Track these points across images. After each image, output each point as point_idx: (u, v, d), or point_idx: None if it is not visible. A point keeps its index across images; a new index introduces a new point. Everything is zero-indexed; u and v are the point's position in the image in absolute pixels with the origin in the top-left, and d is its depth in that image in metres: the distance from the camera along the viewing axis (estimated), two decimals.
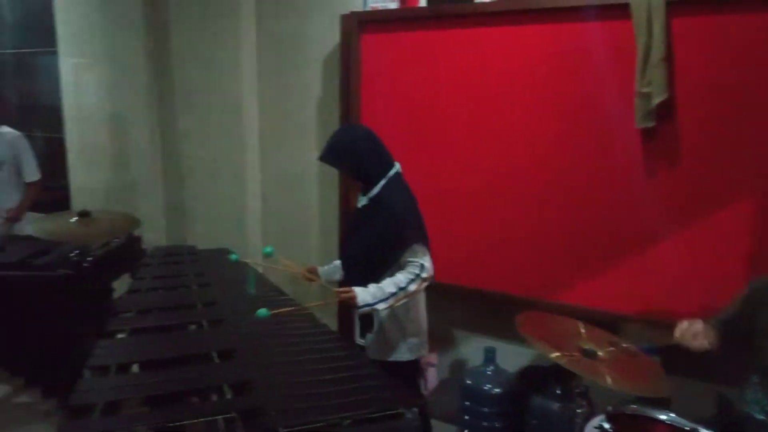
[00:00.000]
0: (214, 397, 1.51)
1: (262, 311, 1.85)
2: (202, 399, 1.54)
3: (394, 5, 2.99)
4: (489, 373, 2.62)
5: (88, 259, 2.47)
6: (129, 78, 4.09)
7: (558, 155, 2.59)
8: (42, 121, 4.65)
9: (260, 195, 3.79)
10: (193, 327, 2.06)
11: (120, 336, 1.91)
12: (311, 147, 3.49)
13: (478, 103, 2.75)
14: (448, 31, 2.75)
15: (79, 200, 4.56)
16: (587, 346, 1.93)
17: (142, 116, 4.07)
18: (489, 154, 2.75)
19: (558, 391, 2.35)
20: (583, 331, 2.06)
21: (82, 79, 4.42)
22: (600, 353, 1.91)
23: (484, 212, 2.80)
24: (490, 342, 2.88)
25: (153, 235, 3.87)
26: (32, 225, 2.37)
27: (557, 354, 1.82)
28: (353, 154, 2.14)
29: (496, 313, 2.90)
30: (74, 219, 2.32)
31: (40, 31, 4.52)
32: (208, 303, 2.19)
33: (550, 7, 2.51)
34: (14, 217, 3.40)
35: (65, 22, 4.38)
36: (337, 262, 2.40)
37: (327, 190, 3.46)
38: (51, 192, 4.23)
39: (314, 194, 3.55)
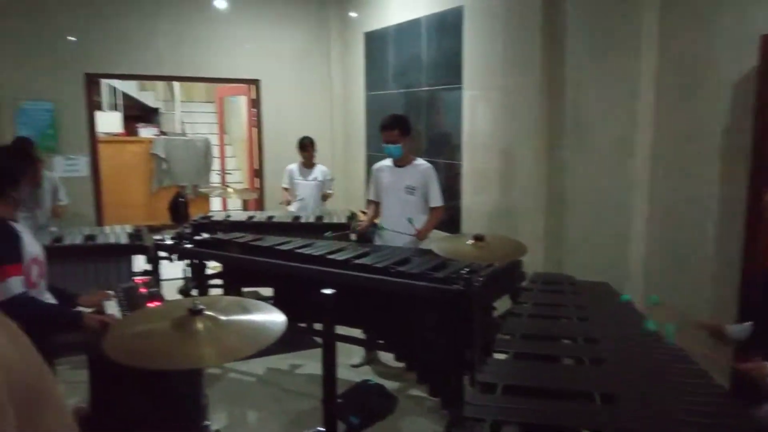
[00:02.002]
0: None
1: (650, 323, 1.73)
2: None
3: None
4: None
5: (479, 278, 2.70)
6: (521, 110, 4.35)
7: None
8: (445, 149, 5.30)
9: (646, 231, 3.58)
10: (571, 361, 2.06)
11: (505, 357, 2.03)
12: (712, 179, 3.14)
13: None
14: None
15: (467, 220, 5.04)
16: None
17: (529, 146, 4.28)
18: None
19: None
20: None
21: (480, 110, 4.89)
22: None
23: None
24: None
25: (531, 260, 4.02)
26: (434, 243, 2.72)
27: None
28: None
29: None
30: (470, 241, 2.57)
31: (450, 69, 5.16)
32: (589, 339, 2.16)
33: None
34: (420, 237, 3.95)
35: (471, 60, 4.91)
36: (748, 324, 2.09)
37: (727, 231, 3.06)
38: (447, 211, 4.77)
39: (710, 234, 3.18)
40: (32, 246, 2.41)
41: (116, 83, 10.23)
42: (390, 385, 3.89)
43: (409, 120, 4.20)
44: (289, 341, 2.00)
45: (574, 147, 3.96)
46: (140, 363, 1.44)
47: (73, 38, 6.03)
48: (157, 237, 4.33)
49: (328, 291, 1.85)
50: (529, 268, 3.40)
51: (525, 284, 3.18)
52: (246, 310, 1.69)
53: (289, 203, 5.65)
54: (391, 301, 3.19)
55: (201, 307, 1.58)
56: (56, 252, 3.83)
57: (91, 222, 6.10)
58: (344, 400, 1.90)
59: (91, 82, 6.32)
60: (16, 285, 2.23)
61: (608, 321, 2.39)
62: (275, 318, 1.67)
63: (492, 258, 2.62)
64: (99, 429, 2.56)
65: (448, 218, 5.00)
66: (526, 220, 4.34)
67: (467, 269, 2.95)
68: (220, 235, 4.12)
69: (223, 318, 1.61)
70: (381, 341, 3.59)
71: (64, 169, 5.91)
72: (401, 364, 3.47)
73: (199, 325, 1.55)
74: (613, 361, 1.96)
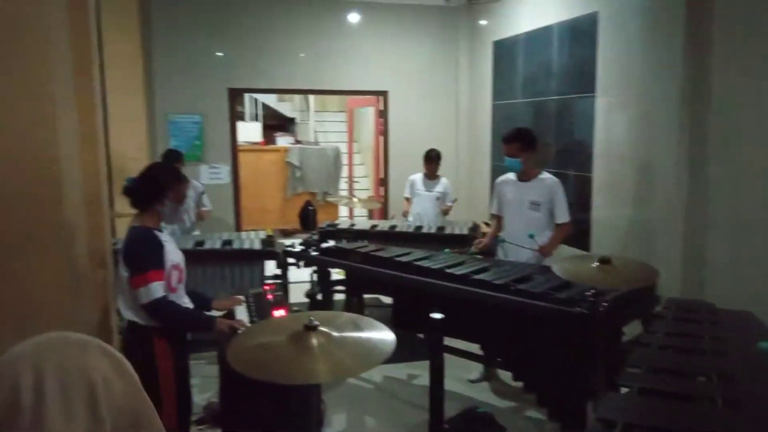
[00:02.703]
0: None
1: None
2: None
3: None
4: None
5: (604, 303, 2.55)
6: (660, 120, 4.07)
7: None
8: (574, 160, 5.08)
9: None
10: (704, 402, 1.88)
11: (626, 391, 1.90)
12: None
13: None
14: None
15: (598, 235, 4.79)
16: None
17: (669, 157, 3.98)
18: None
19: None
20: None
21: (614, 119, 4.64)
22: None
23: None
24: None
25: (667, 283, 3.73)
26: (556, 264, 2.60)
27: None
28: None
29: None
30: (595, 264, 2.44)
31: (582, 77, 4.94)
32: (725, 377, 1.96)
33: None
34: (545, 253, 3.82)
35: (606, 67, 4.68)
36: None
37: None
38: (575, 225, 4.58)
39: None
40: (174, 254, 2.63)
41: (257, 95, 10.93)
42: (507, 404, 3.82)
43: (534, 134, 4.08)
44: (407, 351, 2.03)
45: (720, 160, 3.63)
46: (258, 374, 1.52)
47: (220, 53, 6.53)
48: (288, 243, 4.56)
49: (436, 315, 1.83)
50: (665, 292, 3.15)
51: (658, 310, 2.97)
52: (359, 328, 1.73)
53: (406, 215, 5.70)
54: (511, 319, 3.12)
55: (316, 323, 1.64)
56: (197, 255, 4.16)
57: (230, 226, 6.56)
58: (450, 426, 1.88)
59: (234, 96, 6.80)
60: (157, 289, 2.45)
61: (750, 357, 2.16)
62: (386, 337, 1.70)
63: (618, 283, 2.46)
64: (228, 423, 2.74)
65: (577, 233, 4.79)
66: (663, 238, 4.04)
67: (593, 291, 2.80)
68: (343, 244, 4.25)
69: (336, 335, 1.66)
70: (499, 359, 3.52)
71: (208, 177, 6.42)
72: (520, 383, 3.37)
73: (314, 341, 1.61)
74: (754, 405, 1.76)
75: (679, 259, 3.85)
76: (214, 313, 2.80)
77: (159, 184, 2.62)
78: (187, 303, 2.69)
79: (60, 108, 2.20)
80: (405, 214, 5.73)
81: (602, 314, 2.64)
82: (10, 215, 2.14)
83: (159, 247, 2.55)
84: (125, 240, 2.61)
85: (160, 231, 2.64)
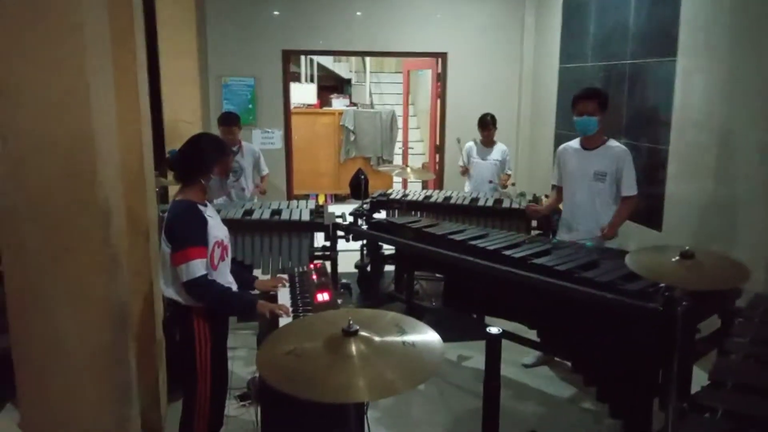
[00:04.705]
0: None
1: None
2: None
3: None
4: None
5: (683, 303, 2.27)
6: (751, 85, 3.64)
7: None
8: (648, 130, 4.68)
9: None
10: None
11: (707, 414, 1.65)
12: None
13: None
14: None
15: (671, 212, 4.43)
16: None
17: (755, 129, 3.58)
18: None
19: None
20: None
21: (697, 85, 4.21)
22: None
23: None
24: None
25: (754, 274, 3.37)
26: (629, 256, 2.33)
27: None
28: None
29: None
30: (675, 258, 2.15)
31: (662, 39, 4.50)
32: None
33: None
34: (608, 235, 3.53)
35: (690, 29, 4.23)
36: None
37: None
38: (645, 200, 4.23)
39: None
40: (217, 230, 2.50)
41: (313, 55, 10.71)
42: (564, 393, 3.60)
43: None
44: (458, 331, 1.84)
45: None
46: (288, 388, 1.36)
47: (276, 12, 6.32)
48: (338, 213, 4.41)
49: (494, 330, 1.62)
50: (749, 284, 2.82)
51: (742, 306, 2.66)
52: (402, 331, 1.55)
53: (464, 173, 5.43)
54: (572, 308, 2.88)
55: (355, 327, 1.47)
56: (246, 225, 4.07)
57: (282, 193, 6.46)
58: None
59: (288, 58, 6.61)
60: (198, 267, 2.33)
61: None
62: (434, 343, 1.51)
63: (701, 283, 2.15)
64: (268, 400, 2.63)
65: (648, 209, 4.45)
66: (745, 218, 3.66)
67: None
68: (394, 219, 4.08)
69: (378, 340, 1.48)
70: (556, 348, 3.30)
71: (260, 143, 6.30)
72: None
73: (353, 349, 1.44)
74: None
75: (765, 243, 3.48)
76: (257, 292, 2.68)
77: (203, 157, 2.47)
78: (230, 282, 2.58)
79: (94, 80, 2.07)
80: (463, 172, 5.46)
81: (680, 312, 2.37)
82: (45, 195, 2.05)
83: (202, 222, 2.42)
84: (167, 214, 2.50)
85: (205, 205, 2.51)
